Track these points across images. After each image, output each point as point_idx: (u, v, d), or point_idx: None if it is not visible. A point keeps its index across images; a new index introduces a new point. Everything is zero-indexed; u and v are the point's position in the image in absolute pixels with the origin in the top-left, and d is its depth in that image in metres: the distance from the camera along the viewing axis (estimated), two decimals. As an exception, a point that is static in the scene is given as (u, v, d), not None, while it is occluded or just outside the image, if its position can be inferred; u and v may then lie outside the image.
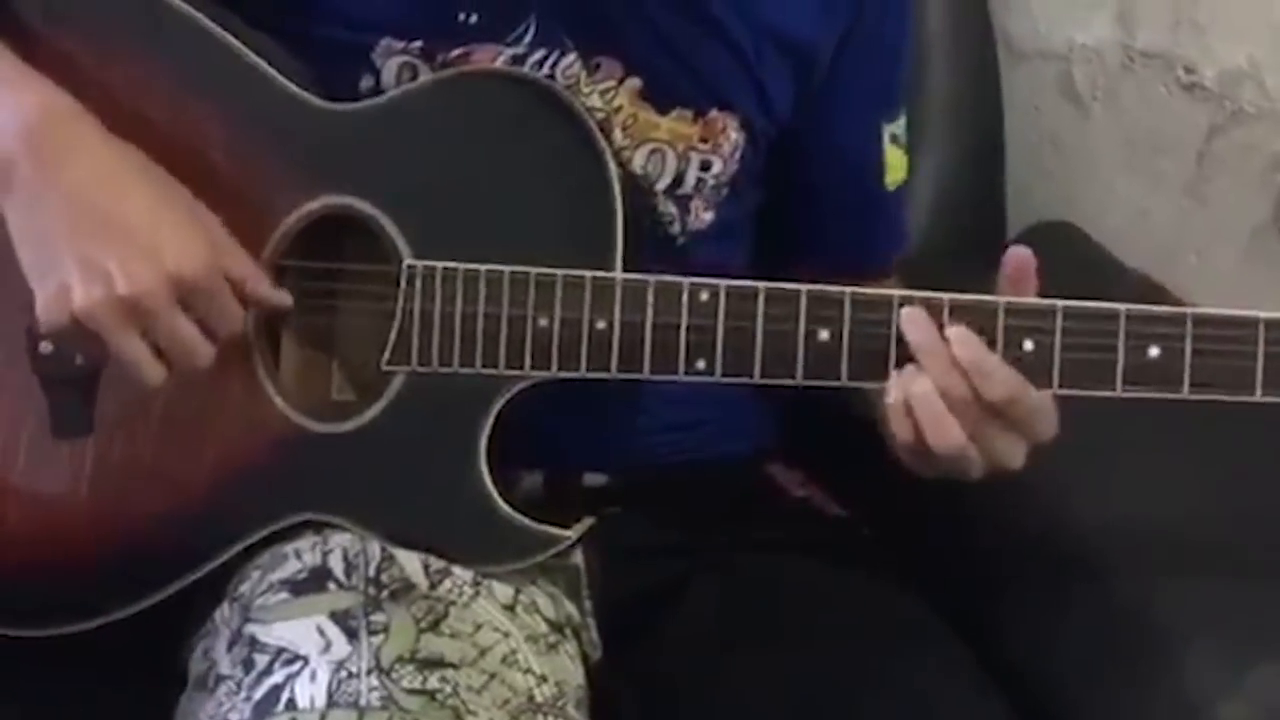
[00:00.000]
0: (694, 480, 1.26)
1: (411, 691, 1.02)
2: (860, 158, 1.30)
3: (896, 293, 1.09)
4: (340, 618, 1.06)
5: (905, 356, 1.08)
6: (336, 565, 1.10)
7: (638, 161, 1.21)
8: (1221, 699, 1.17)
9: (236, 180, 1.15)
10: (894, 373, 1.09)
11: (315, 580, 1.10)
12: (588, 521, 1.15)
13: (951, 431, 1.07)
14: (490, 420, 1.12)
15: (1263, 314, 1.06)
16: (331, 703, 1.01)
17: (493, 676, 1.06)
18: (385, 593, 1.08)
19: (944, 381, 1.07)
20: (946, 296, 1.09)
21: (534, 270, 1.11)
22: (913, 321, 1.08)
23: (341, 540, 1.12)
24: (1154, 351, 1.06)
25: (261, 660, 1.06)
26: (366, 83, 1.18)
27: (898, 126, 1.30)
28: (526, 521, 1.13)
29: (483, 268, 1.11)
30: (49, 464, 1.17)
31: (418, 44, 1.18)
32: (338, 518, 1.13)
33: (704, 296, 1.10)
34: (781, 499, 1.30)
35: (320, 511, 1.14)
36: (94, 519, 1.17)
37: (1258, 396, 1.05)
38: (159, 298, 1.08)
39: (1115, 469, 1.31)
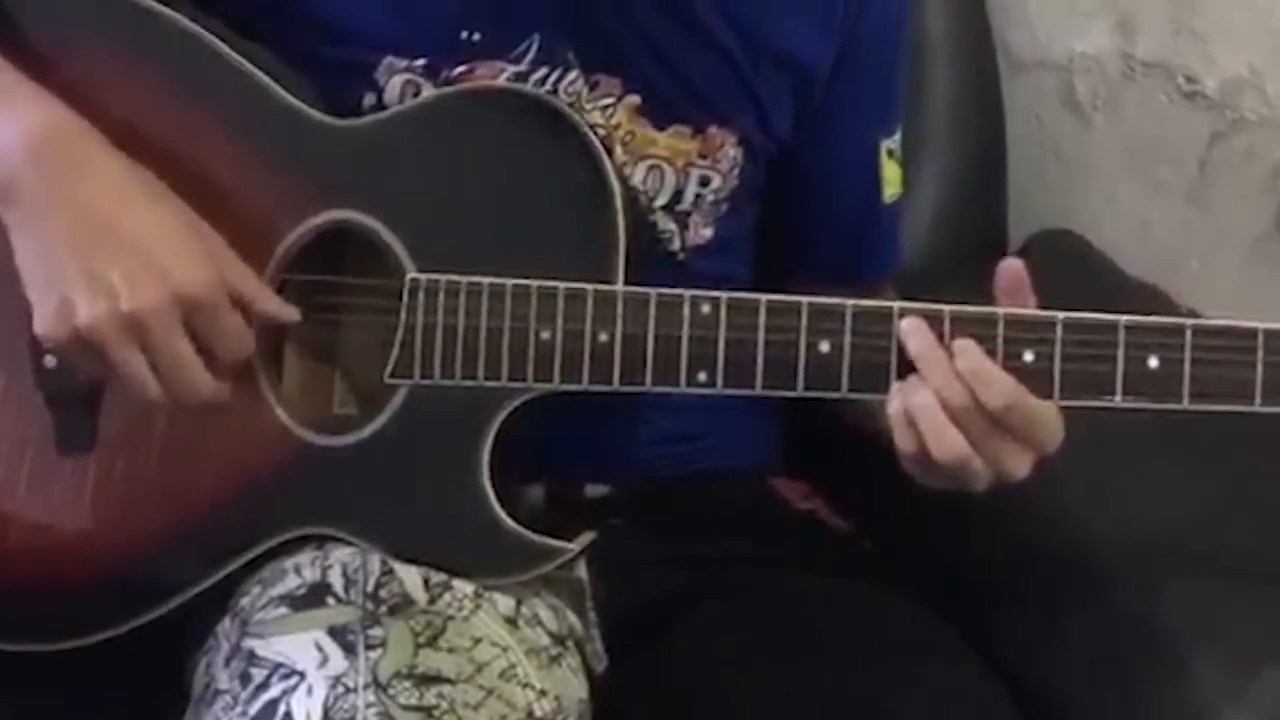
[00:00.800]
0: (697, 493, 1.26)
1: (408, 707, 1.02)
2: (858, 173, 1.30)
3: (897, 304, 1.09)
4: (338, 633, 1.06)
5: (906, 368, 1.08)
6: (336, 580, 1.10)
7: (637, 178, 1.22)
8: (1227, 707, 1.17)
9: (241, 195, 1.16)
10: (895, 384, 1.09)
11: (314, 595, 1.10)
12: (590, 534, 1.15)
13: (954, 441, 1.07)
14: (493, 433, 1.12)
15: (1262, 325, 1.06)
16: (328, 718, 1.01)
17: (490, 692, 1.06)
18: (384, 608, 1.08)
19: (945, 391, 1.07)
20: (946, 308, 1.09)
21: (536, 283, 1.11)
22: (913, 331, 1.08)
23: (342, 555, 1.12)
24: (1153, 362, 1.06)
25: (259, 674, 1.06)
26: (370, 100, 1.19)
27: (894, 141, 1.31)
28: (529, 534, 1.13)
29: (485, 280, 1.12)
30: (51, 478, 1.17)
31: (421, 62, 1.18)
32: (340, 531, 1.13)
33: (705, 308, 1.10)
34: (785, 512, 1.30)
35: (322, 525, 1.14)
36: (96, 533, 1.17)
37: (1257, 407, 1.05)
38: (163, 314, 1.09)
39: (1118, 478, 1.31)
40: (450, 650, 1.07)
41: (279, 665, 1.06)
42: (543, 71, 1.19)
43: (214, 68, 1.16)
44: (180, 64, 1.17)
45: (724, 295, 1.10)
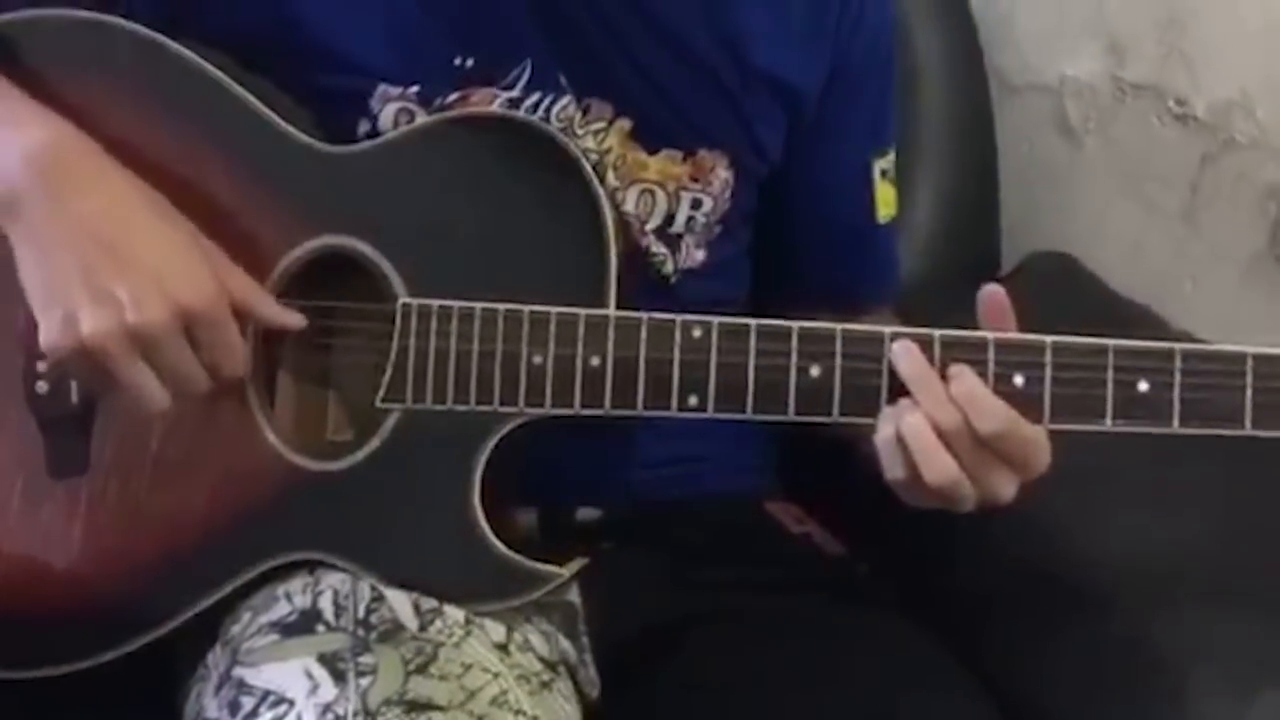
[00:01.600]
0: (691, 517, 1.26)
1: None
2: (850, 193, 1.30)
3: (887, 329, 1.09)
4: (328, 660, 1.06)
5: (897, 391, 1.09)
6: (326, 607, 1.10)
7: (629, 202, 1.22)
8: (1224, 730, 1.17)
9: (236, 221, 1.16)
10: (886, 408, 1.09)
11: (304, 622, 1.10)
12: (581, 559, 1.15)
13: (945, 464, 1.07)
14: (484, 457, 1.12)
15: (1251, 349, 1.06)
16: None
17: (482, 719, 1.06)
18: (374, 634, 1.08)
19: (937, 414, 1.07)
20: (937, 332, 1.09)
21: (528, 307, 1.11)
22: (905, 354, 1.08)
23: (333, 581, 1.12)
24: (1143, 386, 1.06)
25: (248, 703, 1.06)
26: (364, 128, 1.19)
27: (887, 162, 1.31)
28: (520, 559, 1.13)
29: (477, 305, 1.12)
30: (43, 503, 1.17)
31: (414, 89, 1.19)
32: (331, 557, 1.13)
33: (696, 333, 1.10)
34: (779, 535, 1.30)
35: (314, 550, 1.14)
36: (88, 558, 1.17)
37: (1247, 431, 1.05)
38: (167, 328, 1.09)
39: (1112, 499, 1.31)
40: (441, 677, 1.07)
41: (268, 693, 1.06)
42: (535, 97, 1.19)
43: (212, 96, 1.17)
44: (179, 92, 1.18)
45: (715, 320, 1.11)
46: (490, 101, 1.19)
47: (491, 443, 1.12)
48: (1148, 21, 1.61)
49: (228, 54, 1.19)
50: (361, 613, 1.10)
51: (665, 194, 1.23)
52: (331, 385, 1.20)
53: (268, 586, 1.14)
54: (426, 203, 1.15)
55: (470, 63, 1.19)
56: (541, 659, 1.15)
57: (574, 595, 1.20)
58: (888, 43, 1.30)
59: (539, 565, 1.13)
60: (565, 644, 1.19)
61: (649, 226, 1.23)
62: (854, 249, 1.32)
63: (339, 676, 1.05)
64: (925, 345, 1.08)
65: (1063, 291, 1.58)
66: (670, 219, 1.23)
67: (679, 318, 1.11)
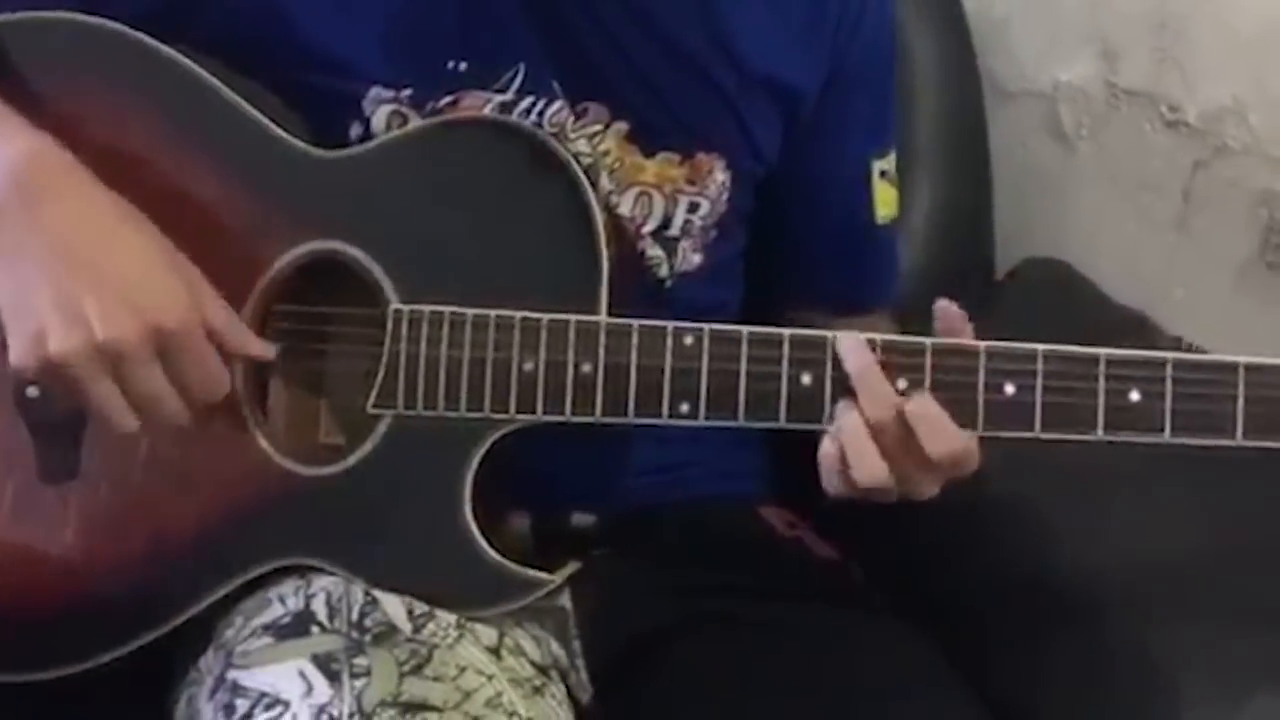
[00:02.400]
0: (684, 521, 1.26)
1: None
2: (848, 192, 1.30)
3: (880, 336, 1.09)
4: (322, 661, 1.06)
5: None
6: (320, 609, 1.10)
7: (625, 205, 1.22)
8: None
9: (227, 225, 1.16)
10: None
11: (298, 624, 1.10)
12: (573, 565, 1.15)
13: (875, 465, 1.08)
14: (475, 463, 1.12)
15: (1242, 359, 1.06)
16: None
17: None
18: (368, 636, 1.08)
19: (873, 413, 1.07)
20: (929, 340, 1.09)
21: (519, 314, 1.11)
22: (852, 350, 1.08)
23: (325, 584, 1.12)
24: (1134, 396, 1.06)
25: (243, 705, 1.06)
26: (356, 130, 1.19)
27: (887, 162, 1.30)
28: (511, 566, 1.13)
29: (469, 311, 1.12)
30: (34, 507, 1.17)
31: (407, 92, 1.19)
32: (322, 562, 1.13)
33: (688, 340, 1.10)
34: (772, 540, 1.30)
35: (304, 556, 1.14)
36: (78, 562, 1.17)
37: (1238, 441, 1.05)
38: (136, 346, 1.08)
39: (1105, 505, 1.31)
40: (436, 678, 1.07)
41: (263, 695, 1.06)
42: (528, 101, 1.19)
43: (203, 99, 1.17)
44: (169, 95, 1.17)
45: (706, 327, 1.11)
46: (482, 105, 1.18)
47: (483, 448, 1.12)
48: (1141, 28, 1.61)
49: (219, 56, 1.19)
50: (355, 615, 1.10)
51: (662, 197, 1.23)
52: (323, 390, 1.19)
53: (259, 590, 1.14)
54: (418, 208, 1.15)
55: (463, 66, 1.19)
56: (533, 663, 1.15)
57: (565, 600, 1.20)
58: (888, 44, 1.30)
59: (531, 571, 1.13)
60: (557, 648, 1.19)
61: (646, 229, 1.23)
62: (852, 249, 1.32)
63: (333, 678, 1.05)
64: (917, 352, 1.09)
65: (1056, 297, 1.59)
66: (667, 222, 1.23)
67: (670, 324, 1.11)
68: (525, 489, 1.19)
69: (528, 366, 1.11)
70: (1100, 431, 1.07)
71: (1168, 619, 1.23)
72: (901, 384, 1.08)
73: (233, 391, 1.14)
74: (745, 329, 1.10)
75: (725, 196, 1.25)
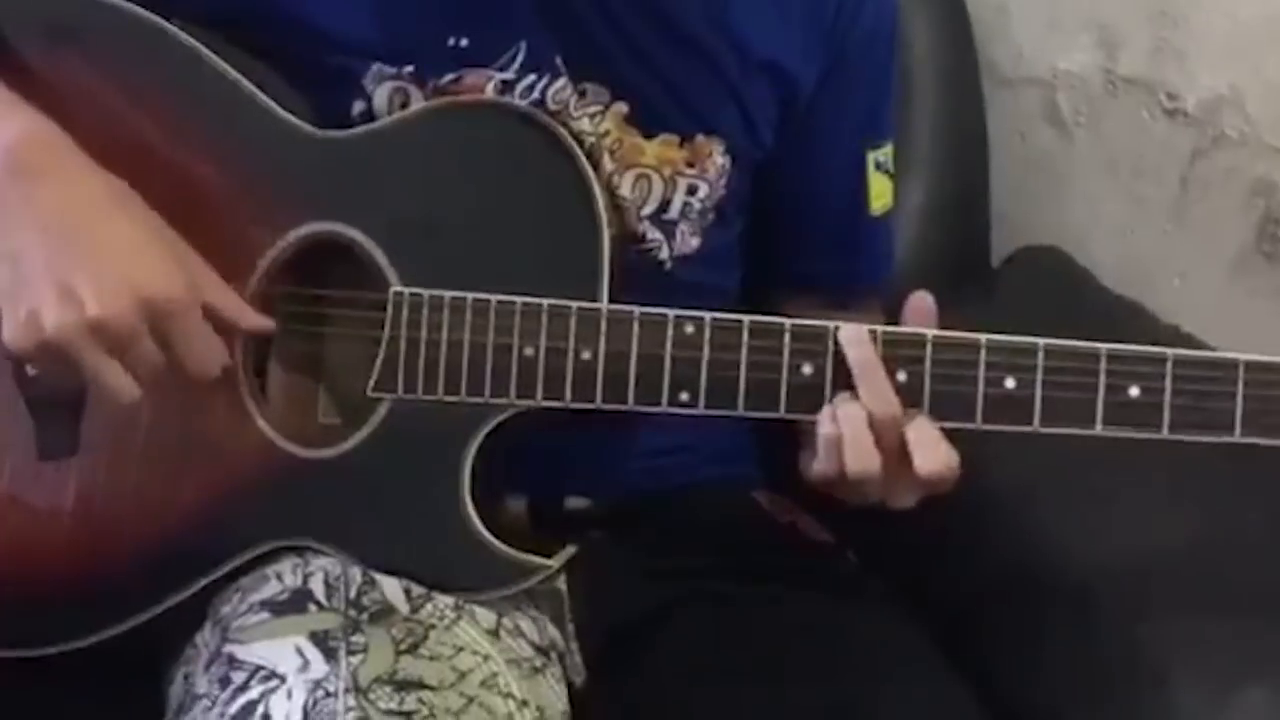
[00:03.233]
0: (679, 506, 1.27)
1: (388, 712, 1.03)
2: (842, 182, 1.30)
3: (880, 329, 1.10)
4: (319, 638, 1.07)
5: None
6: (317, 587, 1.11)
7: (625, 186, 1.22)
8: (1208, 727, 1.18)
9: (227, 205, 1.16)
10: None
11: (296, 601, 1.10)
12: (570, 550, 1.15)
13: (869, 455, 1.09)
14: (474, 448, 1.12)
15: (1242, 355, 1.06)
16: None
17: (472, 700, 1.07)
18: (365, 615, 1.09)
19: (874, 406, 1.08)
20: (929, 332, 1.09)
21: (520, 299, 1.11)
22: (854, 342, 1.09)
23: (323, 563, 1.13)
24: (1134, 391, 1.06)
25: (238, 677, 1.06)
26: (359, 108, 1.19)
27: (883, 153, 1.30)
28: (509, 550, 1.13)
29: (469, 296, 1.12)
30: (33, 485, 1.17)
31: (409, 69, 1.18)
32: (320, 544, 1.14)
33: (689, 329, 1.10)
34: (768, 525, 1.30)
35: (303, 537, 1.14)
36: (76, 540, 1.17)
37: (1236, 437, 1.06)
38: (131, 322, 1.08)
39: (1100, 497, 1.31)
40: (432, 658, 1.07)
41: (259, 668, 1.06)
42: (530, 79, 1.19)
43: (202, 77, 1.16)
44: (169, 73, 1.17)
45: (707, 316, 1.11)
46: (485, 83, 1.18)
47: (483, 433, 1.13)
48: (1140, 15, 1.61)
49: (220, 33, 1.18)
50: (353, 594, 1.10)
51: (661, 179, 1.23)
52: (323, 372, 1.19)
53: (256, 568, 1.14)
54: (419, 190, 1.15)
55: (465, 43, 1.18)
56: (532, 644, 1.16)
57: (560, 583, 1.21)
58: (887, 34, 1.29)
59: (527, 556, 1.14)
60: (553, 631, 1.20)
61: (644, 212, 1.23)
62: (845, 239, 1.32)
63: (330, 654, 1.05)
64: (917, 345, 1.09)
65: (1053, 285, 1.59)
66: (666, 204, 1.23)
67: (671, 313, 1.11)
68: (523, 474, 1.19)
69: (528, 352, 1.11)
70: (1099, 426, 1.07)
71: (1159, 607, 1.24)
72: (901, 376, 1.09)
73: (232, 372, 1.14)
74: (747, 318, 1.10)
75: (724, 180, 1.24)
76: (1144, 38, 1.62)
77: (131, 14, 1.17)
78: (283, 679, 1.05)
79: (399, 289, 1.13)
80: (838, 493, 1.14)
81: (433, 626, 1.09)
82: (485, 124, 1.15)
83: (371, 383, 1.13)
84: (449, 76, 1.18)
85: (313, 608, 1.09)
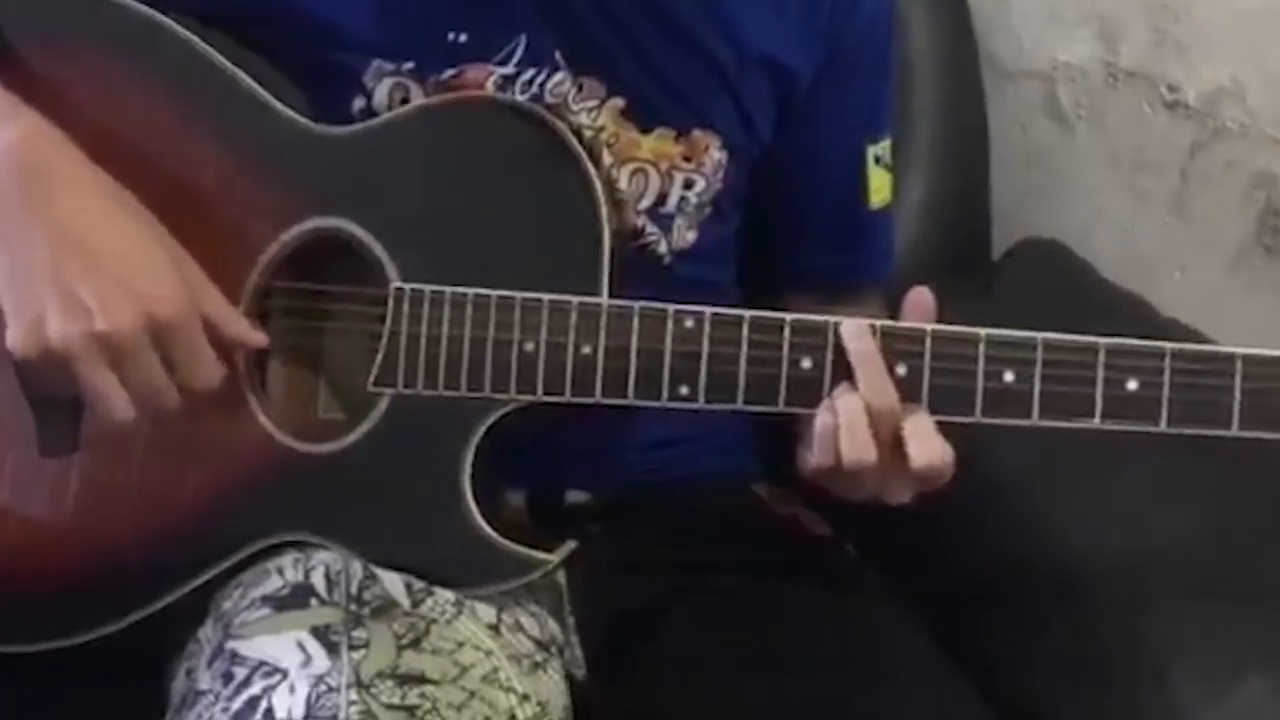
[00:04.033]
0: (679, 499, 1.27)
1: (390, 706, 1.03)
2: (840, 177, 1.30)
3: (880, 322, 1.10)
4: (321, 633, 1.07)
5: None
6: (319, 582, 1.11)
7: (622, 181, 1.22)
8: (1205, 717, 1.18)
9: (227, 201, 1.16)
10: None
11: (297, 596, 1.10)
12: (570, 544, 1.15)
13: (866, 445, 1.09)
14: (475, 443, 1.13)
15: (1240, 350, 1.06)
16: (310, 715, 1.02)
17: (473, 694, 1.07)
18: (367, 610, 1.09)
19: (873, 398, 1.08)
20: (929, 326, 1.09)
21: (520, 294, 1.11)
22: (855, 335, 1.09)
23: (324, 558, 1.13)
24: (1132, 385, 1.07)
25: (241, 673, 1.07)
26: (359, 104, 1.19)
27: (882, 148, 1.30)
28: (509, 544, 1.13)
29: (470, 291, 1.12)
30: (35, 481, 1.17)
31: (409, 64, 1.18)
32: (321, 539, 1.14)
33: (689, 323, 1.11)
34: (767, 518, 1.31)
35: (303, 532, 1.14)
36: (77, 536, 1.17)
37: (1234, 431, 1.06)
38: (135, 336, 1.09)
39: (1099, 489, 1.32)
40: (433, 652, 1.07)
41: (261, 663, 1.06)
42: (530, 73, 1.19)
43: (202, 74, 1.16)
44: (170, 70, 1.17)
45: (707, 310, 1.11)
46: (485, 77, 1.18)
47: (483, 428, 1.13)
48: (1140, 7, 1.62)
49: (220, 29, 1.19)
50: (354, 588, 1.10)
51: (658, 174, 1.23)
52: (323, 367, 1.20)
53: (258, 563, 1.15)
54: (420, 186, 1.15)
55: (464, 37, 1.18)
56: (533, 639, 1.16)
57: (560, 577, 1.21)
58: (885, 29, 1.29)
59: (528, 550, 1.14)
60: (553, 625, 1.20)
61: (641, 206, 1.23)
62: (844, 233, 1.32)
63: (332, 649, 1.06)
64: (917, 339, 1.09)
65: (1053, 278, 1.59)
66: (663, 199, 1.23)
67: (671, 307, 1.11)
68: (523, 468, 1.20)
69: (528, 347, 1.11)
70: (1098, 420, 1.07)
71: (1159, 600, 1.24)
72: (901, 370, 1.09)
73: (233, 370, 1.14)
74: (747, 313, 1.11)
75: (721, 175, 1.25)
76: (1144, 30, 1.62)
77: (129, 10, 1.17)
78: (285, 674, 1.05)
79: (399, 284, 1.13)
80: (833, 486, 1.14)
81: (434, 621, 1.09)
82: (485, 119, 1.16)
83: (372, 378, 1.13)
84: (449, 72, 1.18)
85: (314, 603, 1.09)
